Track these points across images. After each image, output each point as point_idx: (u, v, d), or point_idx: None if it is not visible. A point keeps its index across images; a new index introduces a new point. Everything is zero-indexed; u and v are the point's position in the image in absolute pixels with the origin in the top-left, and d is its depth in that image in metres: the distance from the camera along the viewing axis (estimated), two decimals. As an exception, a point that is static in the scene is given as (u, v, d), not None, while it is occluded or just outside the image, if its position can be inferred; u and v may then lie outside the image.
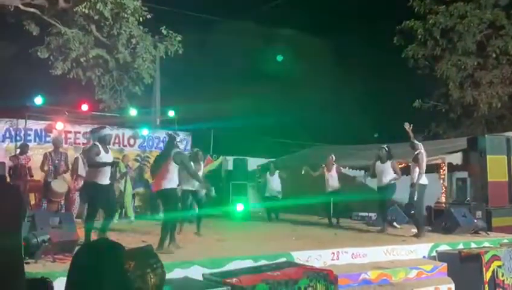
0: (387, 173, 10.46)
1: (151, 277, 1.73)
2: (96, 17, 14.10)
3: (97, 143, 7.80)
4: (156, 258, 1.78)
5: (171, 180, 7.66)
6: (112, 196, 8.66)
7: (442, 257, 8.57)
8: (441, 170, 12.68)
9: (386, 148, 10.66)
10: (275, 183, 13.28)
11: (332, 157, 12.13)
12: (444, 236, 9.83)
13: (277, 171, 13.38)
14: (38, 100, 12.67)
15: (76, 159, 11.86)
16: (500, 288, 8.33)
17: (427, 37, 19.03)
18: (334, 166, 12.04)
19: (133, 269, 1.68)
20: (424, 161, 10.06)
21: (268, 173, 13.52)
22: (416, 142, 10.27)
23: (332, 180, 11.94)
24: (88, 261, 1.69)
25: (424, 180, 10.05)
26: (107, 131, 8.10)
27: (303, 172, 12.50)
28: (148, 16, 14.83)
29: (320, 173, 12.19)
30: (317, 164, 12.62)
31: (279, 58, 24.74)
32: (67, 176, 11.83)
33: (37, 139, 12.91)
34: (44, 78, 15.05)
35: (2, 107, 12.69)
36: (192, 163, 9.79)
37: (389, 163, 10.49)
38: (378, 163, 10.64)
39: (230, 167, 16.55)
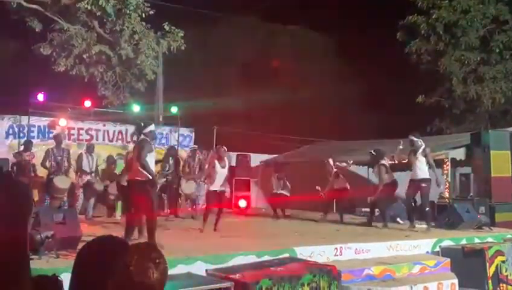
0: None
1: (154, 271, 1.73)
2: (98, 14, 14.11)
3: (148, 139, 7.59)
4: (158, 253, 1.78)
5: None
6: None
7: (445, 252, 8.57)
8: (444, 166, 12.66)
9: (373, 152, 10.90)
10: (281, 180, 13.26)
11: (329, 162, 12.16)
12: (447, 231, 9.82)
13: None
14: (41, 97, 12.66)
15: (80, 155, 11.88)
16: (503, 283, 8.33)
17: (430, 33, 18.99)
18: (335, 170, 12.05)
19: (135, 264, 1.68)
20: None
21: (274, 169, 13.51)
22: (415, 139, 10.33)
23: (338, 181, 11.97)
24: (94, 256, 1.69)
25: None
26: (153, 127, 7.88)
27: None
28: (151, 12, 14.82)
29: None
30: (320, 160, 12.62)
31: (280, 58, 24.71)
32: (71, 172, 11.83)
33: (40, 135, 12.92)
34: (47, 75, 15.07)
35: (5, 104, 12.70)
36: (216, 161, 9.81)
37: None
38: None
39: (233, 163, 16.55)
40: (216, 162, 9.82)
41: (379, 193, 10.67)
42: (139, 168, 7.30)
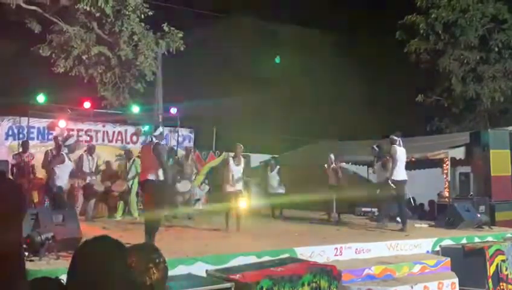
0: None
1: (154, 271, 1.74)
2: (97, 15, 14.09)
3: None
4: (157, 253, 1.79)
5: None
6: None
7: (445, 251, 8.58)
8: (444, 165, 12.67)
9: (376, 147, 10.84)
10: (275, 180, 13.26)
11: (331, 158, 12.16)
12: (447, 231, 9.83)
13: (277, 167, 13.36)
14: (41, 98, 12.67)
15: (81, 156, 11.88)
16: (504, 282, 8.33)
17: (429, 32, 19.00)
18: (333, 165, 12.06)
19: (135, 265, 1.68)
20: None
21: (268, 169, 13.49)
22: (395, 138, 10.30)
23: (334, 176, 11.96)
24: (91, 257, 1.69)
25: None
26: (162, 129, 8.12)
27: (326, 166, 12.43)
28: (150, 13, 14.82)
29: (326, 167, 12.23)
30: (319, 160, 12.62)
31: (278, 59, 24.72)
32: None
33: (39, 137, 12.91)
34: (47, 76, 15.06)
35: (4, 105, 12.69)
36: (231, 159, 9.93)
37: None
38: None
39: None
40: (231, 160, 9.97)
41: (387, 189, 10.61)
42: (158, 170, 7.46)
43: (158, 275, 1.75)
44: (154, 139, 7.80)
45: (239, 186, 9.96)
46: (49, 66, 14.89)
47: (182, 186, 11.96)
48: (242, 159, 10.08)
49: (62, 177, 9.23)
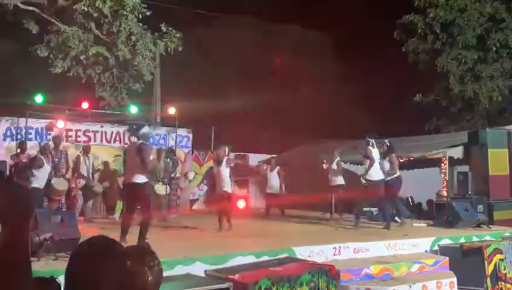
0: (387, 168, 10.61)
1: (149, 275, 1.73)
2: (95, 15, 14.04)
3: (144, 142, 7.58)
4: (152, 256, 1.78)
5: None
6: None
7: (444, 251, 8.59)
8: (442, 164, 12.69)
9: (388, 143, 10.80)
10: (275, 179, 13.25)
11: (335, 156, 12.15)
12: (445, 230, 9.85)
13: (277, 167, 13.36)
14: (39, 98, 12.67)
15: (78, 157, 11.87)
16: (502, 281, 8.34)
17: (427, 31, 19.01)
18: (336, 160, 12.04)
19: (129, 268, 1.68)
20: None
21: (268, 169, 13.50)
22: (368, 139, 10.37)
23: (335, 174, 11.95)
24: (87, 257, 1.69)
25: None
26: (147, 129, 7.81)
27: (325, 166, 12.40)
28: (148, 13, 14.79)
29: (325, 167, 12.21)
30: (319, 160, 12.62)
31: (279, 58, 24.74)
32: (68, 174, 11.82)
33: (37, 137, 12.90)
34: (45, 77, 15.03)
35: (2, 106, 12.69)
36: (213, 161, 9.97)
37: (388, 158, 10.65)
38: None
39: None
40: (213, 162, 9.93)
41: (388, 188, 10.58)
42: (144, 172, 7.37)
43: (153, 279, 1.74)
44: (137, 139, 7.58)
45: (225, 188, 9.76)
46: (47, 66, 14.86)
47: (158, 188, 11.38)
48: (224, 162, 9.83)
49: (41, 178, 9.88)
